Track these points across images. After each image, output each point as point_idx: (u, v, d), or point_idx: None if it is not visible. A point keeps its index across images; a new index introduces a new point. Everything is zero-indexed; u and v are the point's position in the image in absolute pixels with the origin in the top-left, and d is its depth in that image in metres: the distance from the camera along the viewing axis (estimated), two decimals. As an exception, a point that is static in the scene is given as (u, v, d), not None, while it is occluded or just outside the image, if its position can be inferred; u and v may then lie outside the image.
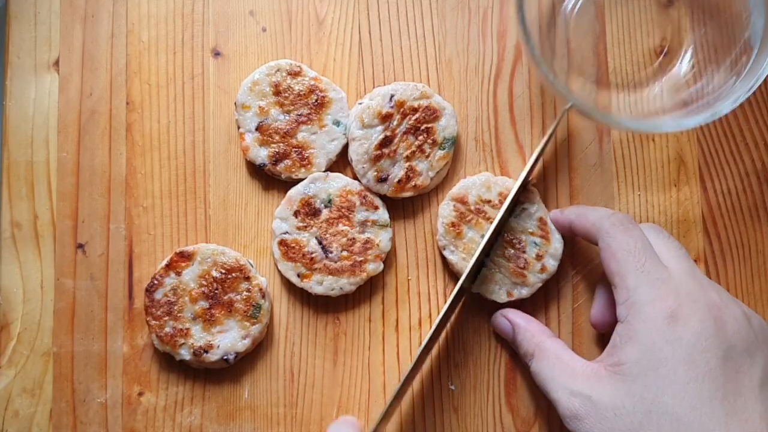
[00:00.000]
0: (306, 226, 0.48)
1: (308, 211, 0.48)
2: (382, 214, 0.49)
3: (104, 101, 0.51)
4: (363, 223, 0.48)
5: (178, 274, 0.48)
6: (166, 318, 0.47)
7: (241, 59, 0.52)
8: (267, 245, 0.50)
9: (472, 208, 0.48)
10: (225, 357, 0.47)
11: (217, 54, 0.52)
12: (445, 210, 0.49)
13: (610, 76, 0.51)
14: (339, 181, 0.49)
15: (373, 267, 0.48)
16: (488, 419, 0.48)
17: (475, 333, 0.49)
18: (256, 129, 0.49)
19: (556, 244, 0.48)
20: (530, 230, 0.48)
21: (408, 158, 0.49)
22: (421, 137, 0.49)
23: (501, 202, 0.49)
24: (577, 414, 0.39)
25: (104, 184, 0.50)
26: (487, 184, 0.49)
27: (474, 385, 0.49)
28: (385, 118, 0.49)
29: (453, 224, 0.48)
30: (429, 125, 0.49)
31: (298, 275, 0.48)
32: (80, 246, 0.50)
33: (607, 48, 0.51)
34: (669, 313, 0.39)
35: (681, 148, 0.51)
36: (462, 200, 0.49)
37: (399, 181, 0.49)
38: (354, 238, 0.48)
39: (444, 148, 0.49)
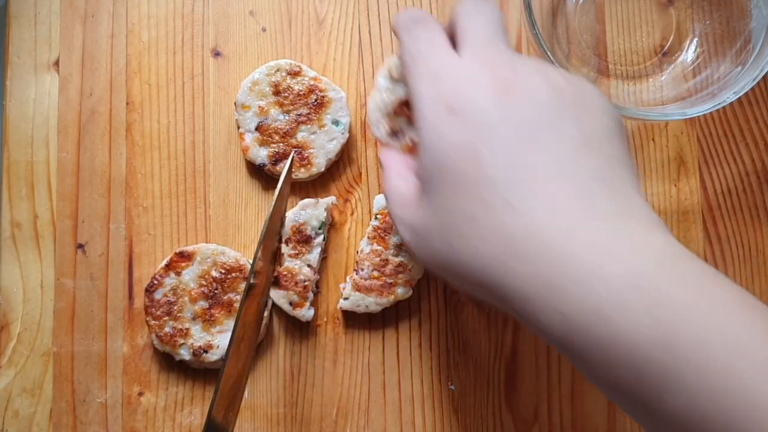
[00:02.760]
0: (298, 254, 0.48)
1: (299, 238, 0.48)
2: None
3: (104, 101, 0.51)
4: (398, 246, 0.48)
5: (178, 274, 0.48)
6: (166, 318, 0.47)
7: (241, 59, 0.52)
8: (267, 245, 0.50)
9: None
10: (225, 357, 0.47)
11: (217, 54, 0.52)
12: None
13: (610, 65, 0.51)
14: (380, 201, 0.49)
15: (403, 291, 0.48)
16: (488, 419, 0.48)
17: (475, 333, 0.49)
18: (256, 129, 0.49)
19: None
20: None
21: None
22: None
23: None
24: (408, 244, 0.36)
25: (104, 184, 0.50)
26: None
27: (474, 385, 0.49)
28: None
29: None
30: None
31: (290, 303, 0.48)
32: (80, 246, 0.50)
33: (608, 38, 0.51)
34: (446, 108, 0.33)
35: (681, 147, 0.51)
36: None
37: (412, 143, 0.47)
38: (387, 260, 0.48)
39: None
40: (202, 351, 0.47)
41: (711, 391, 0.25)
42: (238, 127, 0.50)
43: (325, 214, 0.49)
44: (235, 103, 0.50)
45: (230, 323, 0.47)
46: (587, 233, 0.29)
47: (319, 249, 0.49)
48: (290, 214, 0.49)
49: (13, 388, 0.48)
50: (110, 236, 0.50)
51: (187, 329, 0.47)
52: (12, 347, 0.49)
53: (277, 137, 0.49)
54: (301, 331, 0.49)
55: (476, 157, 0.32)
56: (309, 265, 0.48)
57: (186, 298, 0.48)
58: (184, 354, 0.47)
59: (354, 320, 0.49)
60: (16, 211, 0.50)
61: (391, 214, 0.38)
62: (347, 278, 0.49)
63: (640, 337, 0.26)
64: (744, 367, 0.25)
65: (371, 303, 0.48)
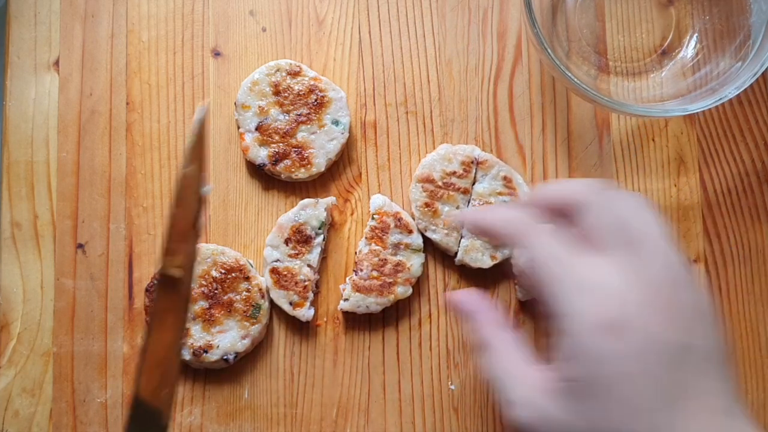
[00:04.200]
0: (298, 254, 0.48)
1: (299, 238, 0.48)
2: (416, 239, 0.49)
3: (104, 101, 0.51)
4: (396, 246, 0.48)
5: (178, 274, 0.48)
6: (166, 318, 0.47)
7: (241, 59, 0.52)
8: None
9: (440, 183, 0.49)
10: (225, 357, 0.47)
11: (217, 54, 0.52)
12: (415, 194, 0.49)
13: (611, 63, 0.51)
14: (377, 201, 0.49)
15: (402, 290, 0.48)
16: (488, 419, 0.48)
17: (475, 333, 0.49)
18: (256, 129, 0.49)
19: (525, 198, 0.49)
20: (497, 191, 0.49)
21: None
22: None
23: (465, 171, 0.49)
24: (530, 424, 0.36)
25: (104, 184, 0.50)
26: (448, 157, 0.49)
27: (474, 385, 0.49)
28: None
29: (426, 204, 0.48)
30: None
31: (291, 303, 0.48)
32: (80, 246, 0.50)
33: (608, 35, 0.52)
34: (607, 325, 0.33)
35: (681, 148, 0.51)
36: (428, 179, 0.49)
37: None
38: (386, 259, 0.48)
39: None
40: (202, 351, 0.47)
41: None
42: (238, 127, 0.50)
43: (325, 214, 0.49)
44: (235, 103, 0.50)
45: (230, 323, 0.47)
46: None
47: (319, 249, 0.49)
48: (290, 214, 0.49)
49: (13, 388, 0.48)
50: (110, 236, 0.50)
51: (187, 329, 0.47)
52: (12, 347, 0.49)
53: (277, 137, 0.49)
54: (301, 331, 0.49)
55: (631, 379, 0.33)
56: (309, 265, 0.48)
57: (186, 298, 0.48)
58: (184, 354, 0.47)
59: (354, 320, 0.49)
60: (16, 211, 0.50)
61: (494, 378, 0.39)
62: (347, 279, 0.49)
63: None
64: None
65: (371, 303, 0.48)
